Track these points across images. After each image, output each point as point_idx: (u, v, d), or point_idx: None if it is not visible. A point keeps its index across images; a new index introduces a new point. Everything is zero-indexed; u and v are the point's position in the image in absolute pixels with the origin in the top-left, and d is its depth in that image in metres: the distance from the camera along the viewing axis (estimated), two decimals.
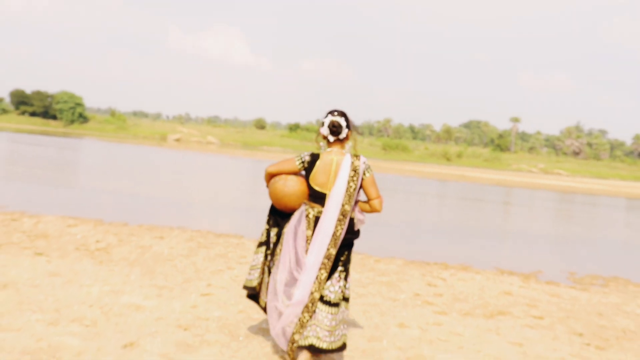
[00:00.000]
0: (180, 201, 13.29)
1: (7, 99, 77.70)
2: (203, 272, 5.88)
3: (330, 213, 3.51)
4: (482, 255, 9.38)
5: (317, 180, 3.58)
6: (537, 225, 15.60)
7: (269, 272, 3.74)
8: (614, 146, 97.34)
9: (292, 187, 3.61)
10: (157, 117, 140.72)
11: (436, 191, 25.92)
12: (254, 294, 3.83)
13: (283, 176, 3.67)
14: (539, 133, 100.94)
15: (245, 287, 3.81)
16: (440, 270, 7.35)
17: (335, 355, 3.78)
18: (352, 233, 3.63)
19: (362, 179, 3.58)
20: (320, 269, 3.49)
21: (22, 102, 76.12)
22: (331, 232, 3.50)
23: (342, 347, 3.53)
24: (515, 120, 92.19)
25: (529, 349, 4.37)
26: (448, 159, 71.71)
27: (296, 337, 3.46)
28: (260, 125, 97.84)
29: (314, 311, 3.48)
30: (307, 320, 3.46)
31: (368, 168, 3.61)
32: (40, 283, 4.81)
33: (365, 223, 3.70)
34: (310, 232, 3.56)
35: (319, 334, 3.45)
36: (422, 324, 4.73)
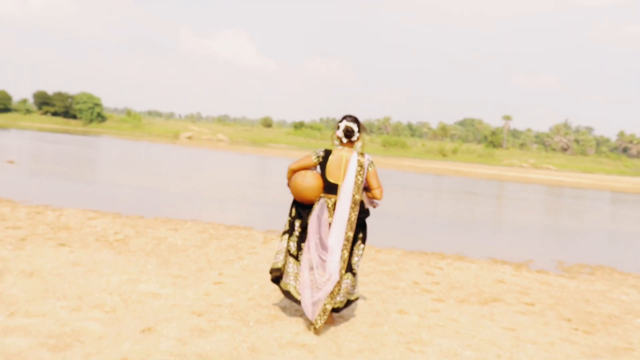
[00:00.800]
0: (193, 195, 13.31)
1: (31, 100, 77.72)
2: (215, 262, 5.89)
3: (344, 202, 3.94)
4: (476, 245, 9.37)
5: (331, 173, 4.02)
6: (528, 217, 15.56)
7: (294, 257, 4.08)
8: (600, 142, 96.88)
9: (309, 182, 4.01)
10: (170, 116, 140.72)
11: (433, 185, 25.87)
12: (277, 277, 4.14)
13: (302, 172, 4.06)
14: (529, 130, 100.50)
15: (272, 270, 4.14)
16: (438, 260, 7.35)
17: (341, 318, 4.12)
18: (363, 212, 4.08)
19: (367, 172, 4.02)
20: (342, 249, 3.94)
21: (45, 103, 76.14)
22: (346, 218, 3.94)
23: (354, 300, 4.13)
24: (507, 118, 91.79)
25: (521, 333, 4.36)
26: (444, 155, 71.54)
27: (327, 307, 3.88)
28: (267, 123, 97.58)
29: (341, 283, 3.96)
30: (337, 293, 3.93)
31: (371, 163, 4.05)
32: (64, 272, 4.83)
33: (379, 204, 4.17)
34: (332, 219, 3.99)
35: (345, 293, 4.01)
36: (420, 311, 4.73)
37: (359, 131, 4.05)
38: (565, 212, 18.19)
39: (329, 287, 3.86)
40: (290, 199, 4.29)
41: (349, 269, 4.02)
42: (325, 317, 3.89)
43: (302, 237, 4.07)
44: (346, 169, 3.99)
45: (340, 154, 4.03)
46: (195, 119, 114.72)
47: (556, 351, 4.03)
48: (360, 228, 4.08)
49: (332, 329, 4.03)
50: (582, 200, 24.56)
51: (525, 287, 6.17)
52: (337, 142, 4.14)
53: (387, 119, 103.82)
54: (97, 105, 74.79)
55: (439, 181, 29.13)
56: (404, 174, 30.83)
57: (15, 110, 75.08)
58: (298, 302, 4.00)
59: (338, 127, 4.07)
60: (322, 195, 4.03)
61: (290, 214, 4.17)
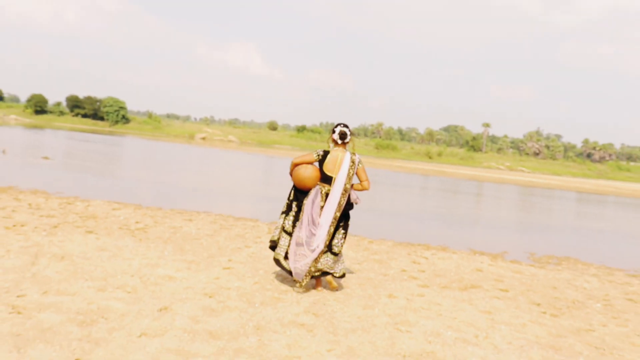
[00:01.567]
0: (206, 190, 13.29)
1: (64, 103, 77.63)
2: (224, 249, 5.88)
3: (337, 189, 4.41)
4: (458, 238, 9.36)
5: (328, 168, 4.45)
6: (503, 213, 15.55)
7: (287, 233, 4.45)
8: (567, 148, 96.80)
9: (309, 173, 4.44)
10: (187, 119, 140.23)
11: (420, 184, 25.85)
12: (273, 247, 4.54)
13: (304, 165, 4.47)
14: (505, 136, 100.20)
15: (270, 242, 4.56)
16: (423, 250, 7.34)
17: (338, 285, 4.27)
18: (349, 205, 4.52)
19: (357, 168, 4.47)
20: (330, 225, 4.38)
21: (76, 106, 75.99)
22: (337, 202, 4.40)
23: (342, 276, 4.53)
24: (487, 125, 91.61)
25: (497, 316, 4.37)
26: (430, 157, 71.49)
27: (312, 269, 4.38)
28: (273, 126, 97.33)
29: (325, 253, 4.42)
30: (320, 259, 4.40)
31: (360, 161, 4.53)
32: (91, 256, 4.82)
33: (361, 201, 4.60)
34: (322, 203, 4.43)
35: (326, 266, 4.44)
36: (407, 295, 4.73)
37: (350, 134, 4.50)
38: (536, 210, 18.19)
39: (315, 254, 4.34)
40: (289, 187, 4.70)
41: (330, 249, 4.43)
42: (308, 278, 4.37)
43: (297, 216, 4.47)
44: (341, 164, 4.43)
45: (336, 153, 4.48)
46: (208, 121, 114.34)
47: (527, 332, 4.03)
48: (343, 218, 4.50)
49: (329, 310, 4.03)
50: (551, 199, 24.56)
51: (501, 275, 6.17)
52: (332, 145, 4.55)
53: (380, 124, 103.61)
54: (122, 108, 74.68)
55: (426, 180, 29.11)
56: (394, 174, 30.80)
57: (51, 112, 75.05)
58: (284, 269, 4.43)
59: (334, 132, 4.50)
60: (318, 183, 4.45)
61: (289, 197, 4.57)
